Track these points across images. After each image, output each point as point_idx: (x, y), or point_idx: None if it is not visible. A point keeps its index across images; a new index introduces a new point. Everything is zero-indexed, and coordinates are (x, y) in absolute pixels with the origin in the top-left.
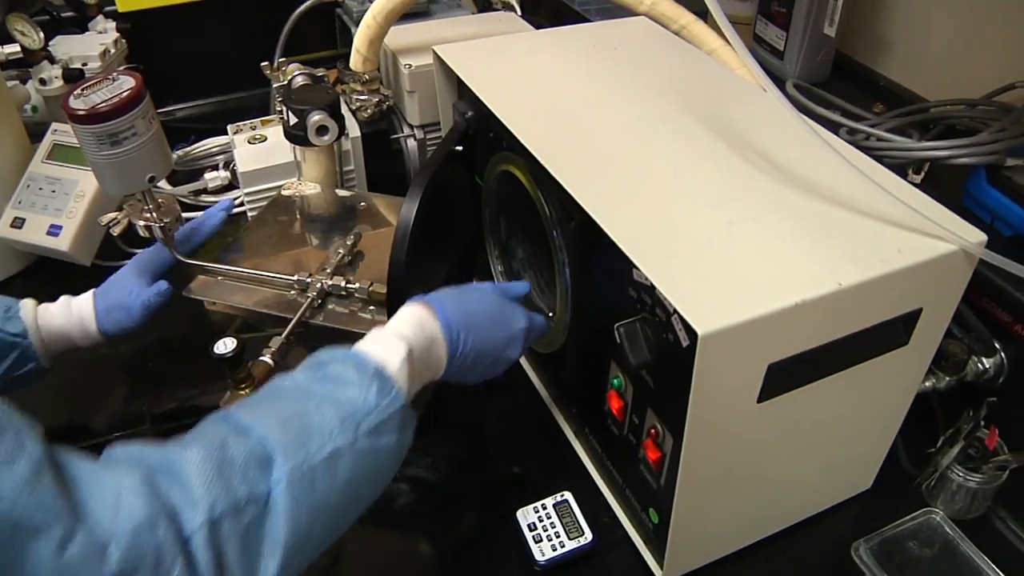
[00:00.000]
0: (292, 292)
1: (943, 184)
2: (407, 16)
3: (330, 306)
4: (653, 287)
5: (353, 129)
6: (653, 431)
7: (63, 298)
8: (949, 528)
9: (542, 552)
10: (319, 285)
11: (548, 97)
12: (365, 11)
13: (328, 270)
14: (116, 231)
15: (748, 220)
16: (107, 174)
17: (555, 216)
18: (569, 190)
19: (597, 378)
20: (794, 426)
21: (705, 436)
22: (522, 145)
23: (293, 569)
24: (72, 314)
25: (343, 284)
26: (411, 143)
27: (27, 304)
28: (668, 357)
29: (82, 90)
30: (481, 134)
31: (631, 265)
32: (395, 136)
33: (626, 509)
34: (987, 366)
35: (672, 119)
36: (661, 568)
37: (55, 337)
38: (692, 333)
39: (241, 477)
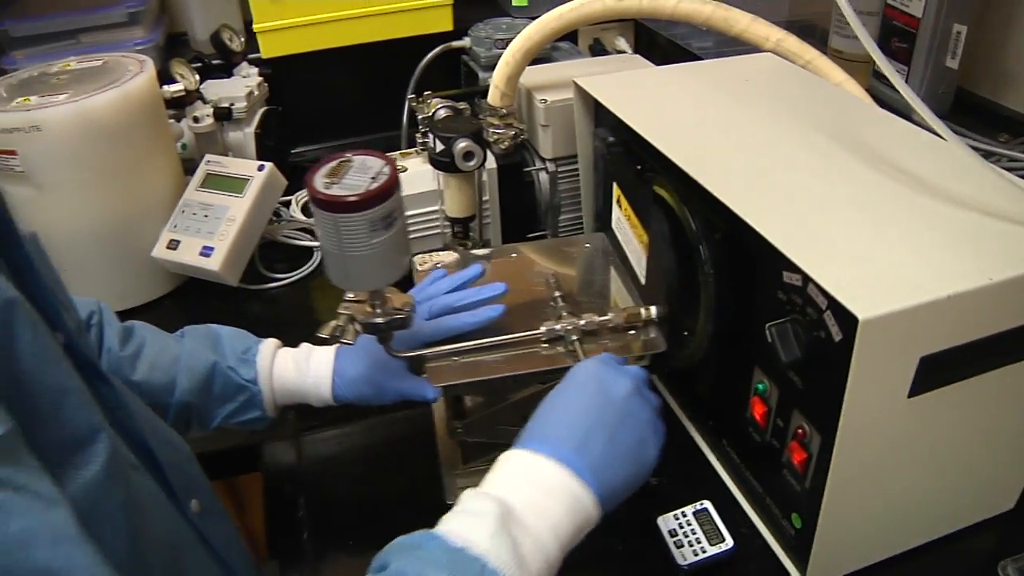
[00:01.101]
0: (544, 346)
1: None
2: (534, 61)
3: (586, 345)
4: (803, 287)
5: (490, 161)
6: (800, 431)
7: (305, 346)
8: None
9: (684, 557)
10: (570, 328)
11: (687, 120)
12: (492, 56)
13: (565, 314)
14: (348, 338)
15: (892, 224)
16: (375, 262)
17: (700, 230)
18: (719, 196)
19: (738, 387)
20: (942, 426)
21: (856, 430)
22: (668, 162)
23: None
24: (308, 372)
25: (596, 319)
26: (543, 176)
27: (266, 348)
28: (820, 354)
29: (325, 178)
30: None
31: (781, 268)
32: (528, 169)
33: (765, 519)
34: None
35: (808, 138)
36: (803, 575)
37: (286, 392)
38: (848, 325)
39: None
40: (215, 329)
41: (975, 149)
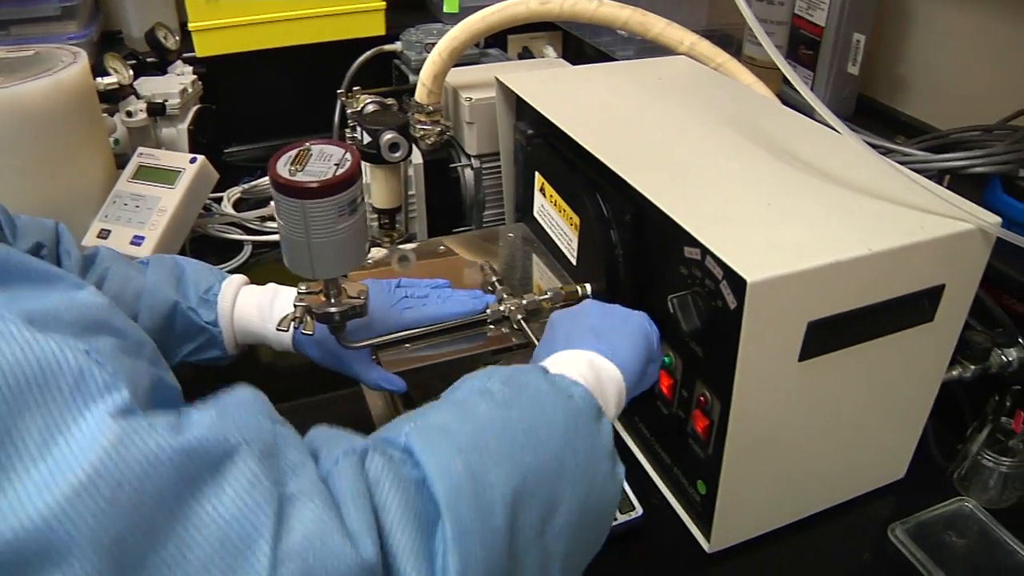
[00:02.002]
0: (491, 328)
1: (962, 195)
2: (462, 64)
3: (531, 324)
4: (702, 260)
5: (416, 156)
6: (702, 399)
7: (270, 288)
8: (983, 515)
9: None
10: (514, 308)
11: (601, 112)
12: (423, 60)
13: (505, 296)
14: (307, 330)
15: (786, 203)
16: (341, 248)
17: (612, 215)
18: (628, 179)
19: None
20: (832, 392)
21: (752, 394)
22: (582, 151)
23: None
24: (271, 318)
25: (538, 297)
26: (468, 172)
27: (229, 287)
28: (718, 322)
29: (289, 167)
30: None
31: (682, 244)
32: (454, 165)
33: (674, 489)
34: (1011, 358)
35: (714, 129)
36: (708, 540)
37: (247, 334)
38: (740, 290)
39: None
40: (180, 263)
41: (874, 140)
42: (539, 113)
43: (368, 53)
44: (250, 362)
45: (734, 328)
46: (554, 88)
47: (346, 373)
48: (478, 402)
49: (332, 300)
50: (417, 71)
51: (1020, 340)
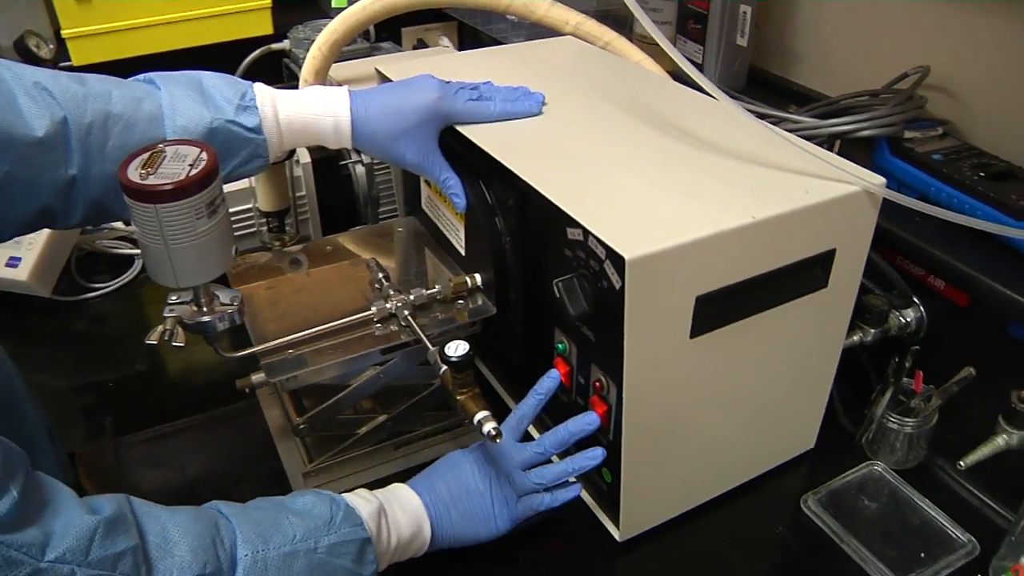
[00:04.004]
0: (378, 327)
1: (852, 159)
2: (352, 58)
3: (419, 320)
4: (585, 241)
5: (303, 155)
6: (598, 384)
7: (310, 87)
8: (892, 477)
9: None
10: (401, 305)
11: None
12: None
13: (392, 293)
14: (179, 341)
15: (669, 178)
16: (202, 253)
17: (496, 202)
18: (508, 164)
19: (545, 351)
20: (729, 367)
21: (644, 374)
22: (463, 139)
23: None
24: (326, 110)
25: (425, 292)
26: (359, 168)
27: (262, 89)
28: (605, 304)
29: (140, 170)
30: None
31: (565, 226)
32: (344, 162)
33: (581, 478)
34: (908, 319)
35: (599, 108)
36: (618, 528)
37: (299, 133)
38: (622, 268)
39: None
40: (191, 75)
41: (764, 117)
42: None
43: (255, 53)
44: (148, 379)
45: (620, 309)
46: (436, 74)
47: (403, 166)
48: None
49: (204, 309)
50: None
51: (915, 300)
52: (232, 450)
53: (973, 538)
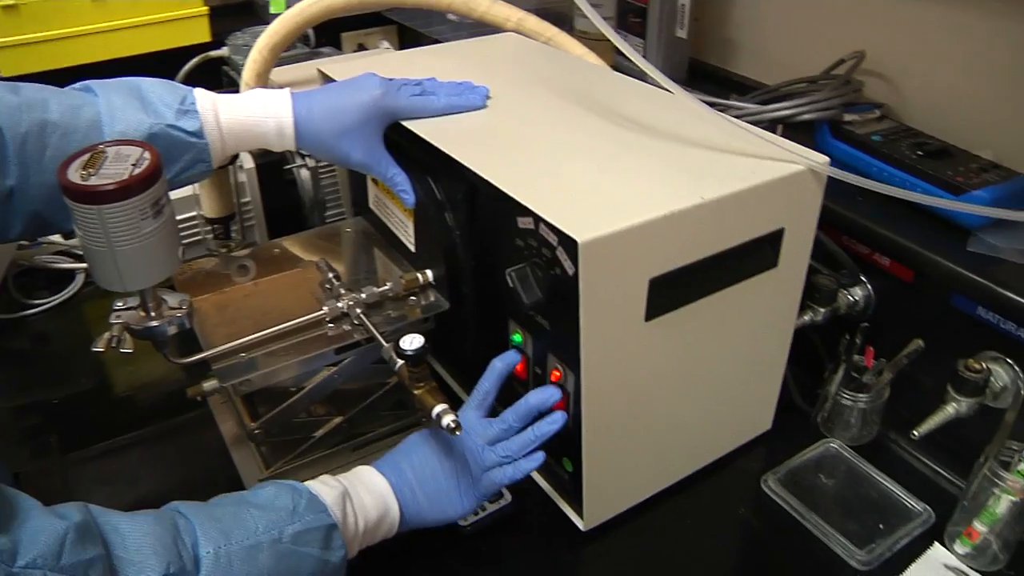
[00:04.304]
0: (330, 327)
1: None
2: (292, 62)
3: (372, 319)
4: (536, 229)
5: (247, 161)
6: (556, 373)
7: (253, 90)
8: (848, 453)
9: (465, 519)
10: (353, 303)
11: None
12: None
13: (343, 292)
14: (127, 347)
15: (618, 164)
16: (148, 254)
17: (445, 196)
18: (455, 156)
19: (498, 345)
20: (685, 350)
21: (602, 360)
22: (409, 134)
23: None
24: (267, 112)
25: (377, 290)
26: (304, 172)
27: (202, 95)
28: (559, 291)
29: (81, 171)
30: None
31: (515, 214)
32: (288, 167)
33: (543, 471)
34: (856, 297)
35: (545, 100)
36: (581, 518)
37: (242, 136)
38: (574, 252)
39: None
40: (131, 81)
41: (706, 98)
42: None
43: (194, 61)
44: (94, 395)
45: (574, 294)
46: (380, 73)
47: (348, 165)
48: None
49: (152, 314)
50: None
51: (863, 279)
52: (186, 462)
53: (928, 507)
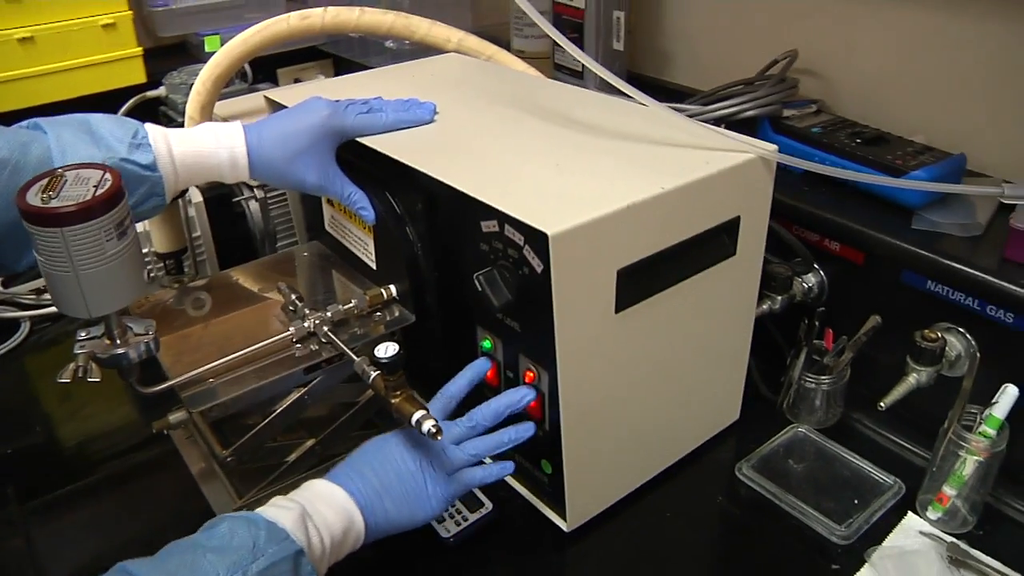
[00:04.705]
0: (298, 347)
1: None
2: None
3: (340, 336)
4: (501, 231)
5: (195, 195)
6: (529, 374)
7: (201, 125)
8: (816, 436)
9: (447, 530)
10: (319, 322)
11: None
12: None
13: (308, 312)
14: (94, 376)
15: (574, 163)
16: (113, 277)
17: (404, 211)
18: (413, 165)
19: (466, 355)
20: (654, 341)
21: (576, 355)
22: (364, 150)
23: None
24: (219, 139)
25: (342, 308)
26: (253, 204)
27: (154, 129)
28: (528, 290)
29: (41, 195)
30: None
31: (478, 218)
32: (237, 199)
33: (520, 478)
34: (811, 284)
35: (495, 111)
36: (564, 519)
37: (195, 169)
38: (543, 248)
39: None
40: (80, 117)
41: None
42: None
43: (131, 101)
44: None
45: (545, 291)
46: (326, 94)
47: (304, 189)
48: None
49: (117, 341)
50: (185, 114)
51: (816, 266)
52: (153, 500)
53: (898, 479)
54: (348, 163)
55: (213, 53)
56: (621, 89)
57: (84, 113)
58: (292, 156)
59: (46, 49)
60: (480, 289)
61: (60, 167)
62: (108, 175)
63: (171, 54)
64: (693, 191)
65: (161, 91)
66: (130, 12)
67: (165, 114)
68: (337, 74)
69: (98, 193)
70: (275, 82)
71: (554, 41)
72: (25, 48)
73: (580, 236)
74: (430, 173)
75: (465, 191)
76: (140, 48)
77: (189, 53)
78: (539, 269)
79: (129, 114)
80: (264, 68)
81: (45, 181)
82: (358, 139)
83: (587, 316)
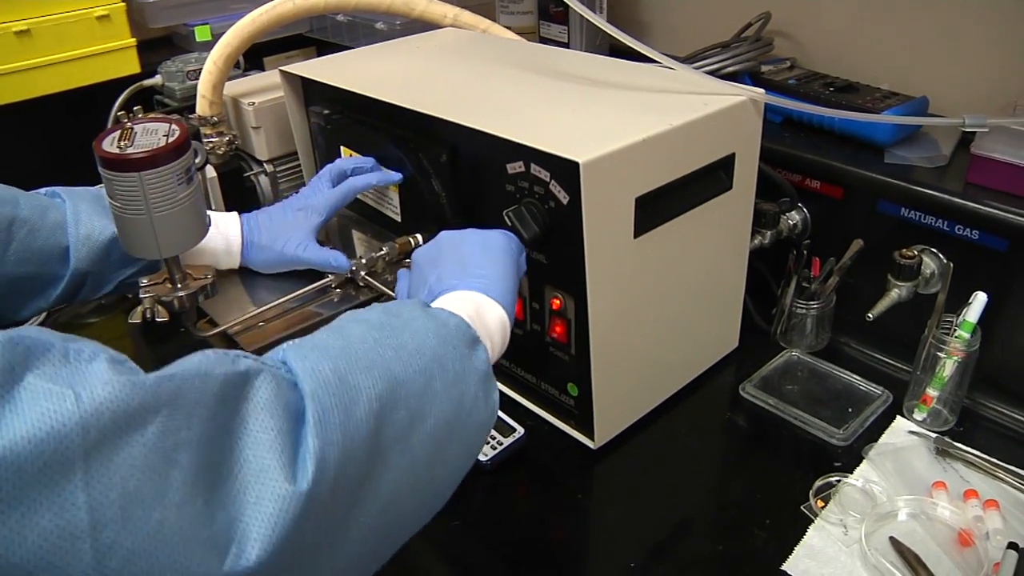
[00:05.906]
0: (336, 291)
1: None
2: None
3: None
4: (527, 169)
5: (209, 171)
6: (555, 303)
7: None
8: (808, 358)
9: (484, 454)
10: (355, 269)
11: (396, 77)
12: (188, 88)
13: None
14: (162, 316)
15: (584, 109)
16: (183, 219)
17: (429, 164)
18: (440, 115)
19: None
20: (666, 266)
21: (602, 279)
22: (382, 111)
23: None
24: (218, 232)
25: (375, 255)
26: (263, 179)
27: None
28: (555, 221)
29: (117, 143)
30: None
31: (503, 161)
32: (247, 174)
33: (546, 406)
34: (795, 220)
35: (503, 71)
36: (592, 438)
37: (191, 253)
38: (572, 178)
39: None
40: (94, 191)
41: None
42: (333, 90)
43: (129, 91)
44: None
45: (572, 220)
46: (342, 66)
47: (292, 265)
48: (353, 325)
49: (179, 285)
50: (183, 102)
51: (800, 205)
52: None
53: (886, 390)
54: (373, 126)
55: (206, 42)
56: (631, 46)
57: (100, 187)
58: (283, 244)
59: (42, 41)
60: (510, 224)
61: (127, 121)
62: (175, 126)
63: (159, 46)
64: (695, 128)
65: (157, 80)
66: (123, 3)
67: (161, 102)
68: None
69: (170, 141)
70: (262, 70)
71: (539, 16)
72: (22, 41)
73: (606, 165)
74: (457, 121)
75: (494, 133)
76: (134, 39)
77: (176, 44)
78: (565, 201)
79: (127, 103)
80: (250, 57)
81: (117, 133)
82: (384, 99)
83: (611, 240)
